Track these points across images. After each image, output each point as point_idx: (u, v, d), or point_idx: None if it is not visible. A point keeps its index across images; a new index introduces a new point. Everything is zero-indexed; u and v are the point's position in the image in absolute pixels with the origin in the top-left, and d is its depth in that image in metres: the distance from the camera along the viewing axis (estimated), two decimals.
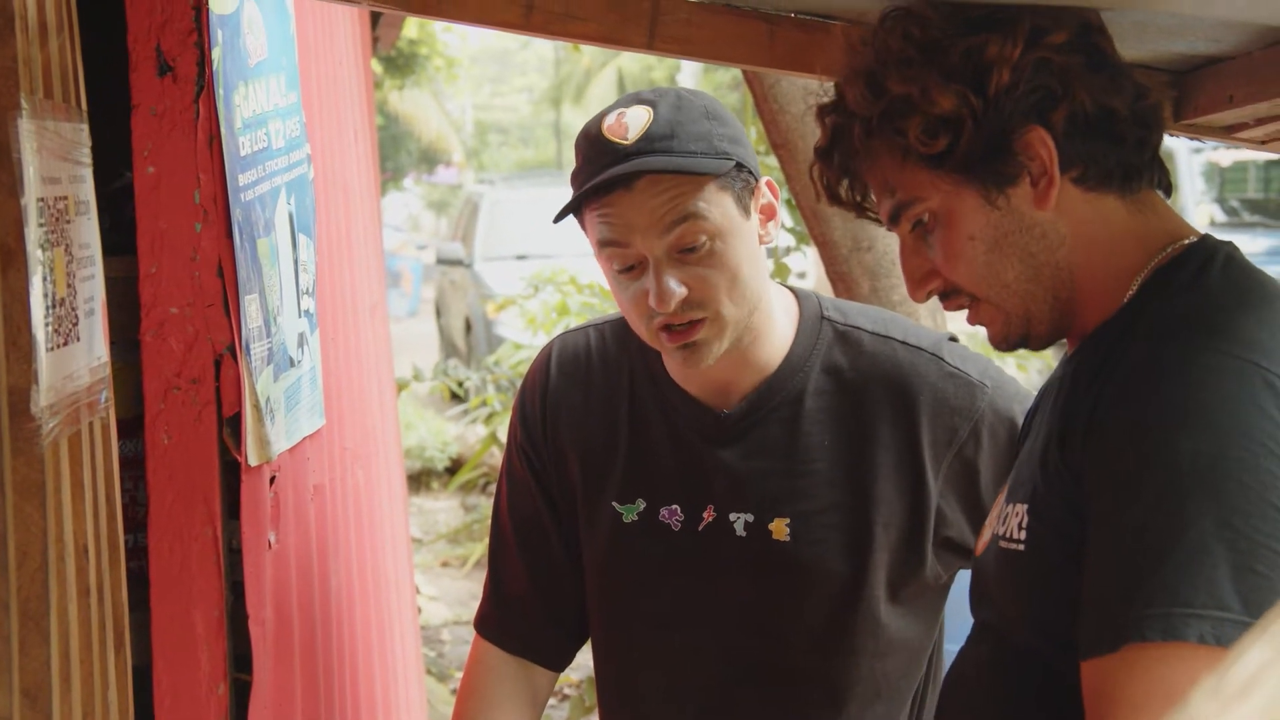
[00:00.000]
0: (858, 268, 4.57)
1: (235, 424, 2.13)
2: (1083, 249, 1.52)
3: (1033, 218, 1.51)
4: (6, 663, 1.41)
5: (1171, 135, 2.07)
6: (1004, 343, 1.57)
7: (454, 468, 9.74)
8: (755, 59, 2.03)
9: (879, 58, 1.54)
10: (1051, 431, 1.47)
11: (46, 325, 1.52)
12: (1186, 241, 1.51)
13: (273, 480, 2.25)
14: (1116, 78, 1.52)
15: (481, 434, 9.10)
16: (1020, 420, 1.94)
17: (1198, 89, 1.93)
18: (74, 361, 1.61)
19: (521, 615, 2.17)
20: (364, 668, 2.95)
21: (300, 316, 2.47)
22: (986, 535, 1.62)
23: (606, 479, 2.08)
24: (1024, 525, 1.48)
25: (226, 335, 2.11)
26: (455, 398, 10.27)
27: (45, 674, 1.48)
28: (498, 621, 2.19)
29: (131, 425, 2.15)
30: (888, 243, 4.57)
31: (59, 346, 1.56)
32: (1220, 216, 13.12)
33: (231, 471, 2.15)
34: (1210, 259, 1.48)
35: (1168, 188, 1.58)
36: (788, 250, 5.77)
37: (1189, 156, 12.98)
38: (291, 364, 2.38)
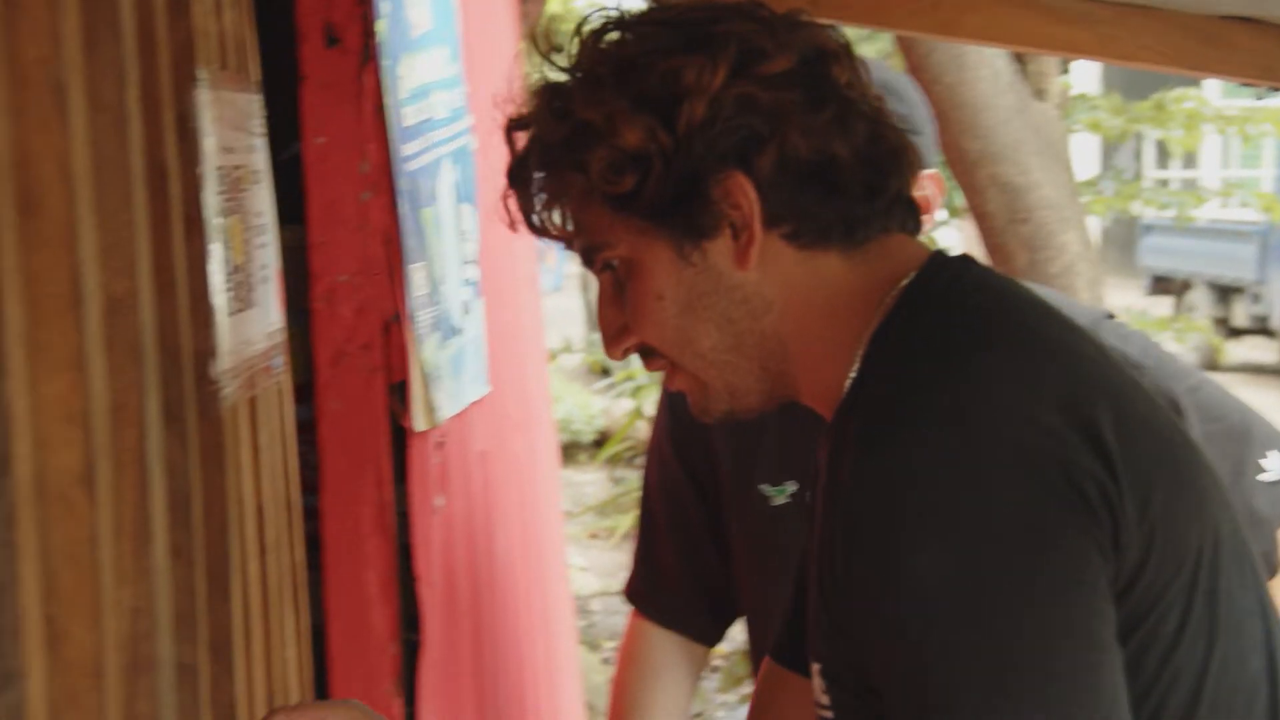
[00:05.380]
0: (1014, 240, 4.51)
1: (402, 390, 2.16)
2: (795, 316, 1.29)
3: (733, 278, 1.28)
4: (193, 616, 1.45)
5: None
6: (705, 415, 1.36)
7: (601, 441, 9.80)
8: (914, 24, 2.01)
9: (571, 70, 1.30)
10: (819, 556, 1.26)
11: (226, 291, 1.56)
12: (903, 284, 1.28)
13: (440, 445, 2.29)
14: (844, 117, 1.26)
15: (628, 408, 9.15)
16: (1183, 401, 1.89)
17: None
18: (251, 327, 1.65)
19: (673, 593, 2.16)
20: (526, 631, 2.98)
21: (464, 285, 2.50)
22: None
23: (755, 459, 2.03)
24: (825, 690, 1.28)
25: (393, 303, 2.14)
26: (603, 371, 10.36)
27: (228, 629, 1.52)
28: (649, 597, 2.18)
29: (303, 391, 2.19)
30: (1044, 215, 4.49)
31: (237, 312, 1.59)
32: None
33: (401, 437, 2.18)
34: (920, 304, 1.27)
35: (917, 227, 1.34)
36: (939, 224, 5.71)
37: None
38: (456, 331, 2.41)
